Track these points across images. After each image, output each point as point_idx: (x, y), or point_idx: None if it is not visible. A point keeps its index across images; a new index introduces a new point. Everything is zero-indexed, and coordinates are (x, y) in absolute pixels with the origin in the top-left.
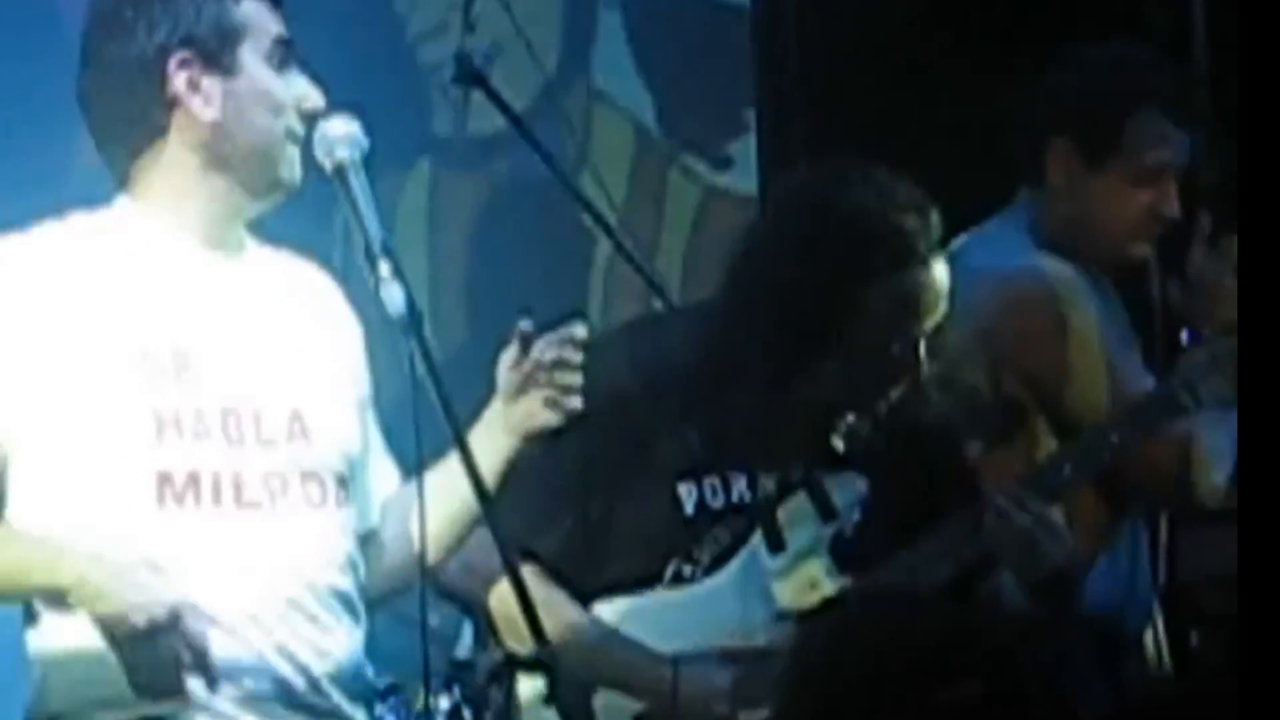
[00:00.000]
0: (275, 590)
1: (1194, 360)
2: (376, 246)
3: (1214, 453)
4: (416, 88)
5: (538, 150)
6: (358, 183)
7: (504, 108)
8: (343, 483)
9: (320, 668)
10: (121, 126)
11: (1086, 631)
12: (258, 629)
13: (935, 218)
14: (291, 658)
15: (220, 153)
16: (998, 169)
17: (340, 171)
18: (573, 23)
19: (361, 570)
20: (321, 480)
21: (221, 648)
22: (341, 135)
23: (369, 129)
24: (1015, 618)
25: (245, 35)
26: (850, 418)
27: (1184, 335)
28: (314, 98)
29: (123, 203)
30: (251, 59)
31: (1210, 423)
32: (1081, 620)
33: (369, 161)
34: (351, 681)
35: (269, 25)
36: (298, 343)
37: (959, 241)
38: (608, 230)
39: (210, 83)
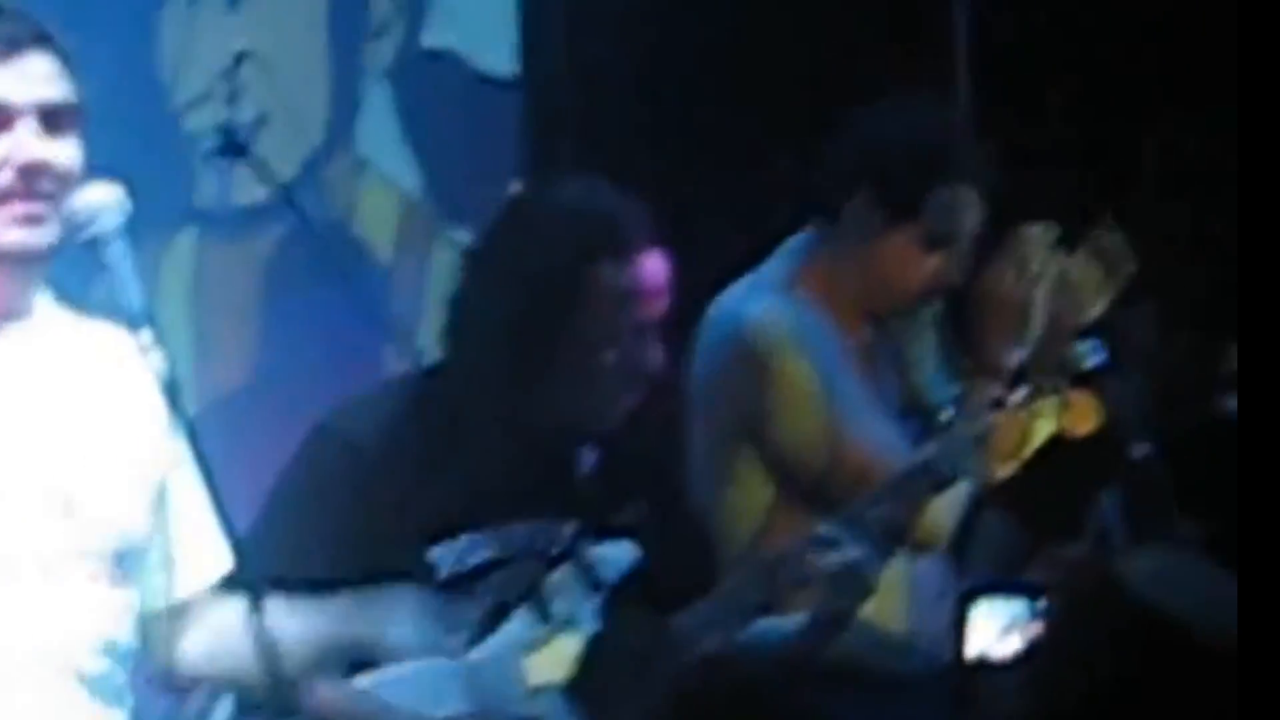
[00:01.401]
0: (33, 671)
1: (957, 435)
2: (137, 316)
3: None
4: (181, 157)
5: (302, 220)
6: (118, 250)
7: (269, 178)
8: (119, 562)
9: None
10: None
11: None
12: (10, 707)
13: (645, 210)
14: None
15: None
16: (772, 242)
17: (96, 242)
18: (339, 93)
19: (126, 654)
20: (94, 560)
21: None
22: (99, 203)
23: (132, 197)
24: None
25: None
26: (595, 460)
27: (948, 410)
28: (26, 151)
29: None
30: None
31: None
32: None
33: (130, 230)
34: None
35: None
36: (80, 415)
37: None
38: (367, 300)
39: None
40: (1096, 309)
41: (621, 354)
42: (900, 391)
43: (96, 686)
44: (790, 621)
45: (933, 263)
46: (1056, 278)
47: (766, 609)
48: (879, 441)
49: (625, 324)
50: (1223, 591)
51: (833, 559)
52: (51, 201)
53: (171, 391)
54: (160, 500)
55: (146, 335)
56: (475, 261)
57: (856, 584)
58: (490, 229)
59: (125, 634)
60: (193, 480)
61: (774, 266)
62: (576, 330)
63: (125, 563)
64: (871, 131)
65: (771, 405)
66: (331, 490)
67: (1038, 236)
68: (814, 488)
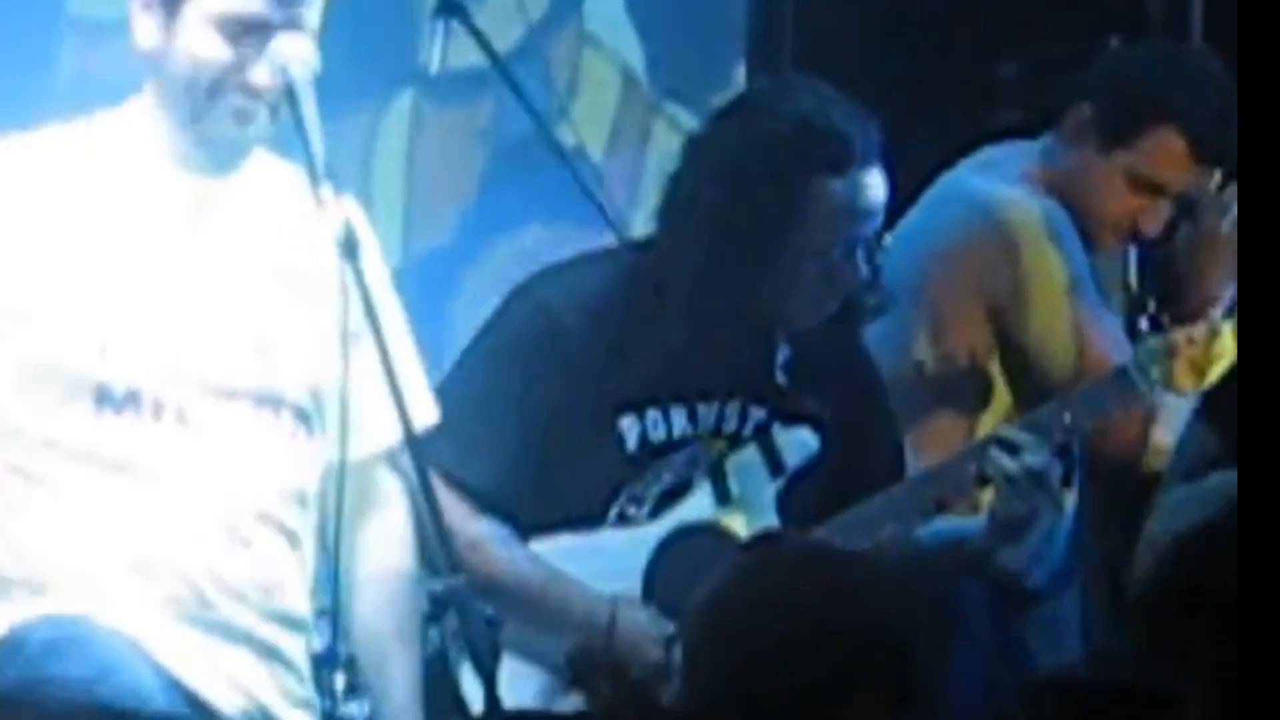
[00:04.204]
0: (208, 511)
1: (1150, 347)
2: (320, 169)
3: (1168, 413)
4: (408, 16)
5: (516, 92)
6: (306, 103)
7: (484, 45)
8: (303, 416)
9: (245, 590)
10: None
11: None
12: (187, 544)
13: (874, 128)
14: (216, 576)
15: (157, 82)
16: (978, 135)
17: (290, 90)
18: None
19: (312, 505)
20: (275, 409)
21: (148, 550)
22: (292, 54)
23: (356, 53)
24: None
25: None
26: (788, 352)
27: (1143, 322)
28: (305, 63)
29: (132, 104)
30: (197, 19)
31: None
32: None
33: (351, 86)
34: (280, 609)
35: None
36: (276, 266)
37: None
38: (578, 179)
39: (157, 15)
40: None
41: (827, 266)
42: None
43: (273, 529)
44: (969, 522)
45: (1134, 203)
46: None
47: (944, 506)
48: (1116, 341)
49: (837, 238)
50: None
51: (1014, 462)
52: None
53: (349, 246)
54: (350, 352)
55: (327, 189)
56: (704, 147)
57: (1037, 490)
58: (723, 118)
59: (312, 484)
60: (394, 333)
61: (1007, 160)
62: (789, 237)
63: (314, 413)
64: (1118, 55)
65: (1024, 295)
66: (527, 353)
67: None
68: (1055, 385)
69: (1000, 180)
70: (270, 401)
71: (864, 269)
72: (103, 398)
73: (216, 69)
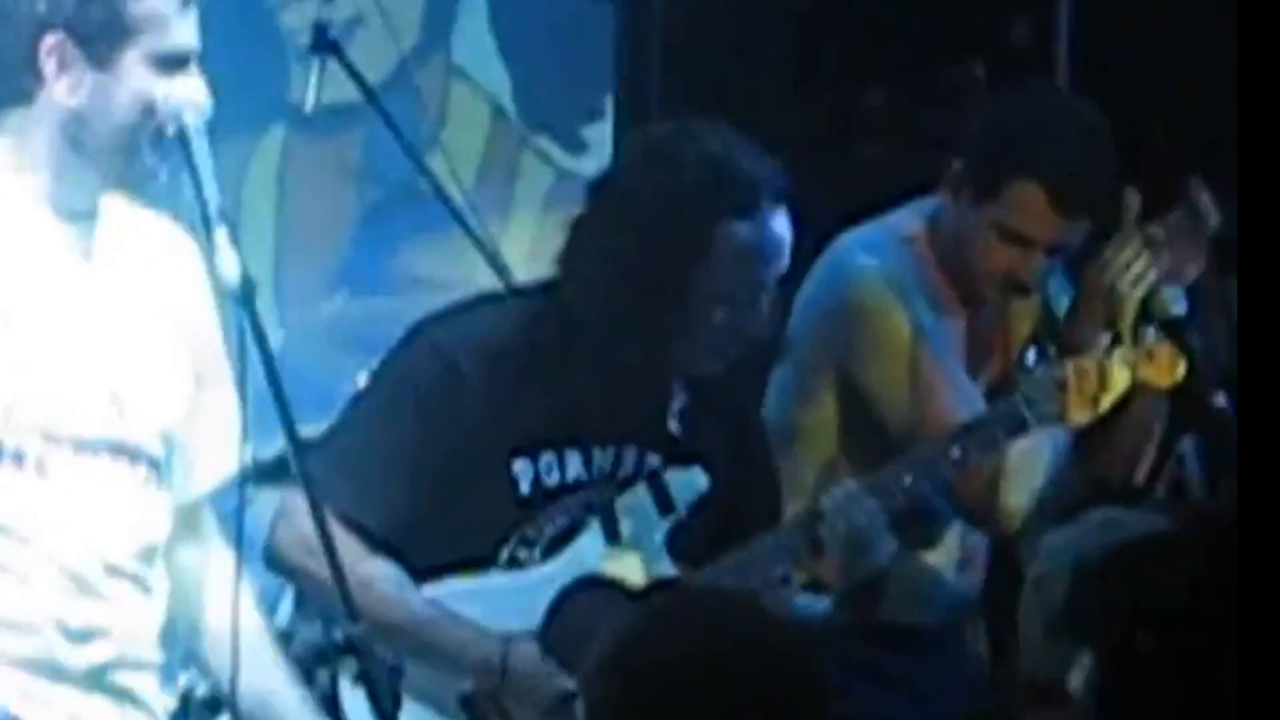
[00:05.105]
0: (56, 560)
1: (1037, 379)
2: (214, 213)
3: (1018, 475)
4: (275, 53)
5: (389, 125)
6: (199, 147)
7: (358, 79)
8: (155, 465)
9: (97, 640)
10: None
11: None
12: (35, 594)
13: (779, 171)
14: (66, 628)
15: (78, 138)
16: (852, 174)
17: (182, 135)
18: None
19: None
20: (131, 459)
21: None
22: (185, 99)
23: (226, 91)
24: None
25: (133, 36)
26: (684, 398)
27: (1030, 354)
28: (198, 107)
29: None
30: (133, 59)
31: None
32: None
33: (221, 123)
34: (133, 655)
35: (168, 30)
36: (133, 315)
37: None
38: (452, 209)
39: (81, 71)
40: (1193, 270)
41: (733, 312)
42: (993, 374)
43: (124, 578)
44: (817, 602)
45: (1004, 255)
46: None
47: (799, 560)
48: (963, 400)
49: (744, 283)
50: None
51: (844, 523)
52: None
53: (246, 291)
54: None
55: (223, 233)
56: (609, 191)
57: (856, 554)
58: (626, 163)
59: (162, 533)
60: (228, 379)
61: (899, 221)
62: (696, 282)
63: (165, 462)
64: (986, 110)
65: (864, 353)
66: (421, 395)
67: (1141, 240)
68: (891, 437)
69: (876, 245)
70: (125, 452)
71: (767, 315)
72: None
73: (155, 100)
